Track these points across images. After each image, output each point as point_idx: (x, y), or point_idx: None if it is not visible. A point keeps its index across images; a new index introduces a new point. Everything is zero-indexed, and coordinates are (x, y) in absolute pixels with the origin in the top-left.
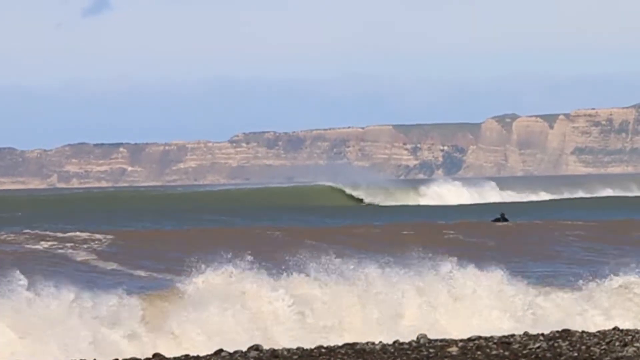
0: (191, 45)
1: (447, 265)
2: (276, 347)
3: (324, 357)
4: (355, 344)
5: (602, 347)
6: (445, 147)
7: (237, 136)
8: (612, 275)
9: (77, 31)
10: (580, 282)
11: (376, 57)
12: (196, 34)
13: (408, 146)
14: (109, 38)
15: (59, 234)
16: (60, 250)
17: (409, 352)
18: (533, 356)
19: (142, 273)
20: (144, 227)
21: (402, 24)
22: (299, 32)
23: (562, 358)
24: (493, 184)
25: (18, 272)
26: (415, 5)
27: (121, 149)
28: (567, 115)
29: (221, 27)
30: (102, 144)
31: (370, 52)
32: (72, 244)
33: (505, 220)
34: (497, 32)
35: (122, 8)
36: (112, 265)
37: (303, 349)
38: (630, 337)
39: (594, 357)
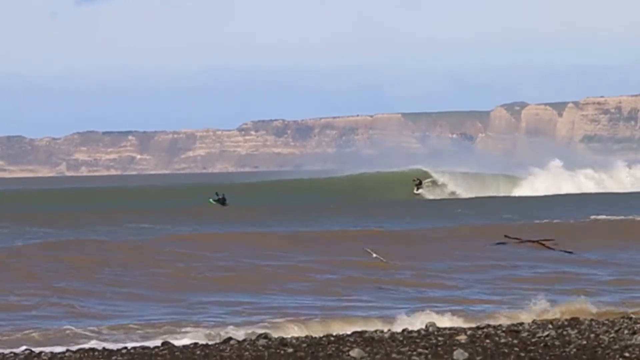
0: (199, 33)
1: None
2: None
3: (333, 345)
4: (364, 332)
5: (611, 335)
6: (454, 135)
7: (246, 124)
8: None
9: (75, 20)
10: None
11: (383, 48)
12: (203, 22)
13: (417, 134)
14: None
15: None
16: None
17: (418, 340)
18: (542, 344)
19: None
20: None
21: (408, 16)
22: (303, 23)
23: (571, 346)
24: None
25: None
26: None
27: (130, 137)
28: (576, 104)
29: (228, 16)
30: (110, 132)
31: (376, 43)
32: None
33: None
34: (505, 21)
35: None
36: None
37: (312, 337)
38: (639, 325)
39: (602, 345)
